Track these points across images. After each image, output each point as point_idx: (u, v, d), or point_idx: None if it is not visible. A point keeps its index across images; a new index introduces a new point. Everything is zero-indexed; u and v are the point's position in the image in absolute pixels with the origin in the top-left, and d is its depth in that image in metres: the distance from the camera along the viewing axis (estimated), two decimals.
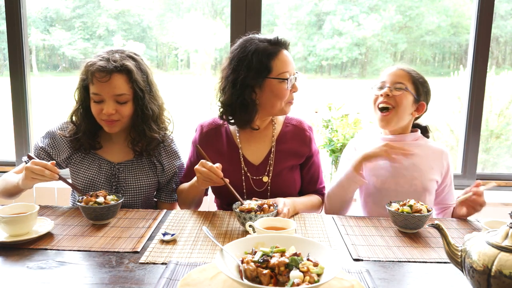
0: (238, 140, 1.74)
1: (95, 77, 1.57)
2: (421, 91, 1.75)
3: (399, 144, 1.71)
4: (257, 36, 1.66)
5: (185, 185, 1.73)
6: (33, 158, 1.54)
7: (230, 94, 1.63)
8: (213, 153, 1.72)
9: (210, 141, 1.75)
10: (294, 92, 1.68)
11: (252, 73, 1.59)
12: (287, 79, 1.61)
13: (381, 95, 1.73)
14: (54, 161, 1.52)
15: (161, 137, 1.75)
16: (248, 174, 1.70)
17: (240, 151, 1.72)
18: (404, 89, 1.71)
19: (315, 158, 1.80)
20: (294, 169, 1.76)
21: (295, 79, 1.66)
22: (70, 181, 1.85)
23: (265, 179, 1.70)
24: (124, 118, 1.64)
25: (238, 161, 1.71)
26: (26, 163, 1.70)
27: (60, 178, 1.52)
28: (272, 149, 1.73)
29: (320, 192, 1.83)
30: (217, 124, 1.77)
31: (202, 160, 1.51)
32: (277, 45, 1.62)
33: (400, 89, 1.71)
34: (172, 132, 1.81)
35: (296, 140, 1.75)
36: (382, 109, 1.74)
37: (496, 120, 3.17)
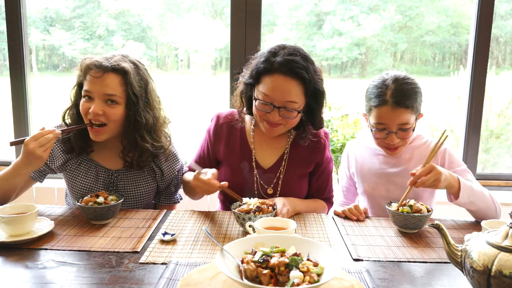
0: (251, 140, 1.71)
1: (89, 73, 1.52)
2: (419, 108, 1.63)
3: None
4: (287, 46, 1.54)
5: (187, 179, 1.69)
6: (21, 143, 1.43)
7: (242, 83, 1.65)
8: (224, 147, 1.70)
9: (223, 134, 1.71)
10: (269, 119, 1.54)
11: (250, 72, 1.59)
12: (258, 100, 1.53)
13: (385, 140, 1.63)
14: (44, 127, 1.44)
15: (154, 150, 1.63)
16: (257, 177, 1.68)
17: (252, 151, 1.69)
18: (409, 127, 1.61)
19: (326, 166, 1.73)
20: (303, 177, 1.72)
21: (272, 109, 1.51)
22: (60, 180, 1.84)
23: (270, 191, 1.67)
24: (111, 124, 1.55)
25: (249, 161, 1.68)
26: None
27: (63, 132, 1.48)
28: (285, 156, 1.68)
29: (327, 200, 1.79)
30: (234, 118, 1.72)
31: (195, 174, 1.48)
32: (281, 67, 1.48)
33: (405, 129, 1.60)
34: (168, 148, 1.69)
35: (310, 147, 1.69)
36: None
37: (496, 120, 3.17)
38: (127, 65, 1.54)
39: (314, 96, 1.56)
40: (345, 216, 1.59)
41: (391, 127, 1.60)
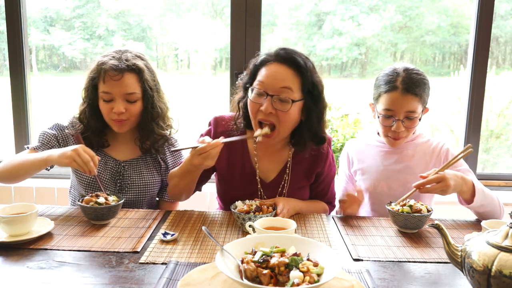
0: (255, 152, 1.64)
1: (107, 76, 1.59)
2: (426, 100, 1.65)
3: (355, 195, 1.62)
4: (282, 47, 1.53)
5: (177, 170, 1.58)
6: (81, 142, 1.60)
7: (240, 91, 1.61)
8: (225, 161, 1.61)
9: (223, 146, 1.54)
10: (261, 113, 1.47)
11: (248, 72, 1.57)
12: (253, 90, 1.48)
13: (392, 128, 1.63)
14: (99, 158, 1.51)
15: (168, 135, 1.78)
16: (261, 191, 1.64)
17: (255, 165, 1.64)
18: (416, 116, 1.62)
19: (327, 174, 1.70)
20: (304, 188, 1.69)
21: (265, 99, 1.45)
22: (70, 177, 1.85)
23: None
24: (133, 117, 1.66)
25: (252, 175, 1.63)
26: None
27: (97, 176, 1.55)
28: (288, 170, 1.64)
29: (329, 203, 1.77)
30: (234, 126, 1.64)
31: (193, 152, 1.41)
32: (278, 56, 1.48)
33: (412, 118, 1.62)
34: (177, 131, 1.82)
35: (312, 158, 1.64)
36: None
37: (496, 120, 3.18)
38: (140, 63, 1.64)
39: (312, 94, 1.50)
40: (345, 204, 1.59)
41: (398, 113, 1.61)
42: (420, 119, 1.66)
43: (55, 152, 1.49)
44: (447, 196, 1.54)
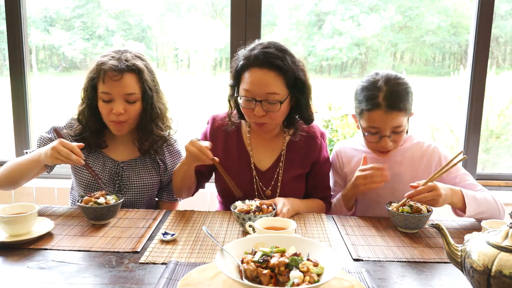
0: (248, 141, 1.71)
1: (107, 76, 1.58)
2: (411, 108, 1.59)
3: (373, 166, 1.57)
4: (264, 42, 1.57)
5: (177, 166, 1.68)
6: (61, 135, 1.56)
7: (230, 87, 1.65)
8: (221, 152, 1.68)
9: (220, 137, 1.71)
10: (254, 116, 1.55)
11: (232, 74, 1.61)
12: (242, 98, 1.55)
13: (378, 144, 1.59)
14: (82, 144, 1.52)
15: (167, 135, 1.78)
16: (256, 178, 1.68)
17: (249, 154, 1.69)
18: (403, 130, 1.57)
19: (322, 166, 1.73)
20: (300, 178, 1.72)
21: (255, 104, 1.52)
22: (70, 177, 1.85)
23: (268, 193, 1.67)
24: (131, 119, 1.65)
25: (247, 164, 1.68)
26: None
27: (86, 165, 1.54)
28: (282, 158, 1.68)
29: (325, 199, 1.78)
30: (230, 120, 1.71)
31: (192, 139, 1.50)
32: (256, 60, 1.51)
33: (399, 132, 1.56)
34: (176, 132, 1.82)
35: (306, 148, 1.70)
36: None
37: (496, 120, 3.18)
38: (139, 63, 1.64)
39: (296, 87, 1.57)
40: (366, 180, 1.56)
41: (384, 131, 1.55)
42: (407, 131, 1.63)
43: (42, 151, 1.52)
44: None
